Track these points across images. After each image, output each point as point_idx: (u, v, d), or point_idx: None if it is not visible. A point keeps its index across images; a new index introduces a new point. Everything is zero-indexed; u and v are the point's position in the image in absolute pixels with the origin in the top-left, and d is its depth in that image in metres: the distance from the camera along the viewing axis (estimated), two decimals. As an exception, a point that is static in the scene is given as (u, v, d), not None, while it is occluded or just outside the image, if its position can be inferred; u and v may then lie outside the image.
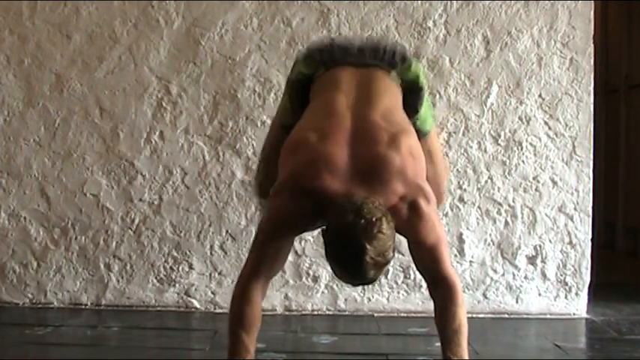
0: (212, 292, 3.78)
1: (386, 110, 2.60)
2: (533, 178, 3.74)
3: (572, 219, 3.74)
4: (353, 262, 2.29)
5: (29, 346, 3.09)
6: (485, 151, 3.75)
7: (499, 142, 3.74)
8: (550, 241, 3.75)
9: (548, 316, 3.73)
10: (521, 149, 3.74)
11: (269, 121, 3.74)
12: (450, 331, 2.50)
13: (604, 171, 5.64)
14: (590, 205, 3.76)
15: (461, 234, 3.75)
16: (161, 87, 3.77)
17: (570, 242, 3.75)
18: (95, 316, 3.66)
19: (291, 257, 3.40)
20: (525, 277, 3.75)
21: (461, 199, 3.74)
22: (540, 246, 3.75)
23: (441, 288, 2.52)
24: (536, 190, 3.74)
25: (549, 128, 3.74)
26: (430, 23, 3.74)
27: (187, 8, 3.76)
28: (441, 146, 3.06)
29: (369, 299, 3.75)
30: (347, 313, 3.75)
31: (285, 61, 3.74)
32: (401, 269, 3.72)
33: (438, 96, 3.73)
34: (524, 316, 3.72)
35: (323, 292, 3.75)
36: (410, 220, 2.46)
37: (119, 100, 3.78)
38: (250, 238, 3.58)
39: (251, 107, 3.75)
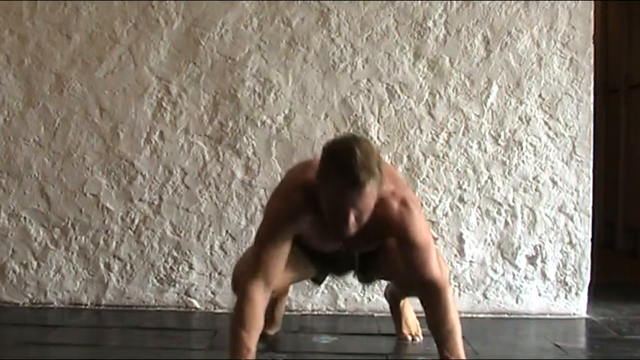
0: (212, 292, 3.78)
1: None
2: (533, 178, 3.74)
3: (572, 219, 3.74)
4: (344, 163, 2.37)
5: (29, 346, 3.09)
6: (485, 151, 3.75)
7: (499, 142, 3.74)
8: (550, 241, 3.75)
9: (548, 316, 3.73)
10: (521, 149, 3.74)
11: (269, 121, 3.75)
12: (444, 332, 2.60)
13: (604, 171, 5.64)
14: (590, 205, 3.76)
15: (461, 234, 3.75)
16: (161, 87, 3.77)
17: (570, 242, 3.75)
18: (95, 316, 3.66)
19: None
20: (525, 277, 3.75)
21: (461, 199, 3.74)
22: (540, 246, 3.75)
23: (430, 290, 2.60)
24: (536, 190, 3.74)
25: (549, 128, 3.74)
26: (430, 23, 3.74)
27: (187, 8, 3.76)
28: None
29: (369, 299, 3.75)
30: (347, 313, 3.75)
31: (285, 61, 3.74)
32: (401, 269, 3.72)
33: (438, 96, 3.73)
34: (524, 316, 3.72)
35: (323, 292, 3.75)
36: (401, 214, 2.55)
37: (119, 100, 3.78)
38: (250, 238, 3.59)
39: (251, 107, 3.75)
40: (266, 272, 2.53)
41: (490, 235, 3.75)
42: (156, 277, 3.78)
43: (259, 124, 3.75)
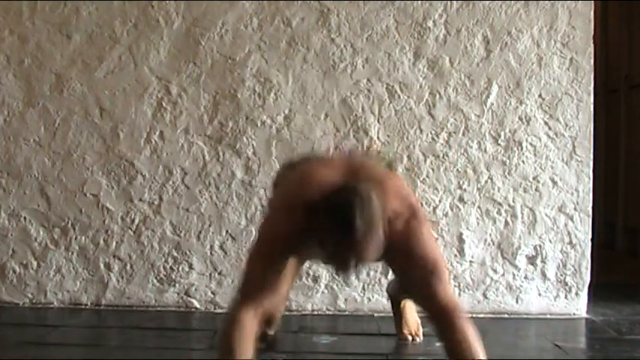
0: (212, 292, 3.78)
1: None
2: (533, 178, 3.74)
3: (572, 219, 3.74)
4: (343, 215, 2.12)
5: (29, 346, 3.09)
6: (486, 151, 3.75)
7: (499, 142, 3.74)
8: (550, 241, 3.75)
9: (548, 316, 3.73)
10: (521, 149, 3.74)
11: (269, 121, 3.75)
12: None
13: (604, 171, 5.64)
14: (590, 205, 3.76)
15: (461, 234, 3.75)
16: (161, 87, 3.77)
17: (570, 242, 3.75)
18: (95, 316, 3.66)
19: (291, 257, 3.40)
20: (525, 277, 3.75)
21: (461, 199, 3.74)
22: (540, 246, 3.75)
23: (448, 316, 2.30)
24: (536, 190, 3.74)
25: (549, 128, 3.74)
26: (430, 23, 3.74)
27: (187, 8, 3.76)
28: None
29: (369, 299, 3.75)
30: (347, 313, 3.75)
31: (285, 61, 3.74)
32: (401, 269, 3.72)
33: (438, 96, 3.73)
34: (524, 316, 3.72)
35: (323, 292, 3.75)
36: (410, 227, 2.32)
37: (119, 100, 3.78)
38: (250, 238, 3.60)
39: (251, 107, 3.75)
40: (257, 296, 2.30)
41: (490, 235, 3.75)
42: (156, 277, 3.78)
43: (259, 124, 3.75)
